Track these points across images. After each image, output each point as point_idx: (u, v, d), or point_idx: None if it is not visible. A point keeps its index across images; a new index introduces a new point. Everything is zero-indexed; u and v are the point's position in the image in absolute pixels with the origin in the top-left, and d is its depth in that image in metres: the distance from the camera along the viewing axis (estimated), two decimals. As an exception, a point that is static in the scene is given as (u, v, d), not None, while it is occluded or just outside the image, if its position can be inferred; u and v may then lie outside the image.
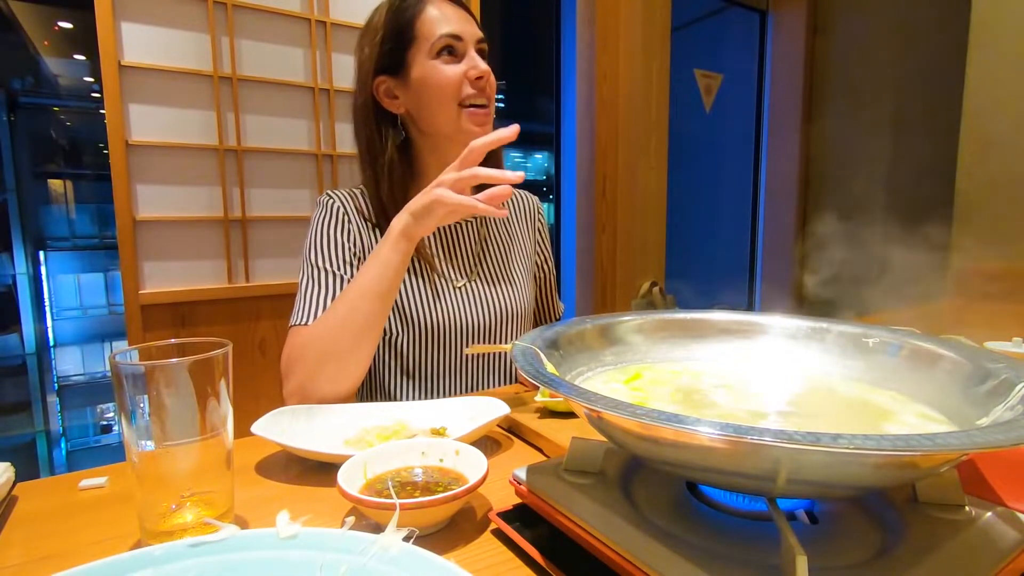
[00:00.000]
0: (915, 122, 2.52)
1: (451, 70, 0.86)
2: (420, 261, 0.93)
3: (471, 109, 0.88)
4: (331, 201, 0.92)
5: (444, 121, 0.88)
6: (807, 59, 2.85)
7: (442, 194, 0.73)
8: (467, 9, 0.91)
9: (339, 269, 0.87)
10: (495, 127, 0.94)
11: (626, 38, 2.18)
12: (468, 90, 0.87)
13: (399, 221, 0.77)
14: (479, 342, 0.96)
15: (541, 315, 1.13)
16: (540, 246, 1.10)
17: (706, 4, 2.92)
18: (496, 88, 0.92)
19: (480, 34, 0.90)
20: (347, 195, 0.93)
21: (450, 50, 0.87)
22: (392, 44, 0.88)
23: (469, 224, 0.99)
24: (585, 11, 2.26)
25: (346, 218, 0.91)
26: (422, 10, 0.87)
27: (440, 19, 0.87)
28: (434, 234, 0.95)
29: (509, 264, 1.01)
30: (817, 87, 2.87)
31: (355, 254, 0.89)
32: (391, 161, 0.90)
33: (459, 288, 0.95)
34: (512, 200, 1.07)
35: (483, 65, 0.87)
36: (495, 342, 0.98)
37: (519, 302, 1.00)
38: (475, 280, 0.97)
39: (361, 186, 0.96)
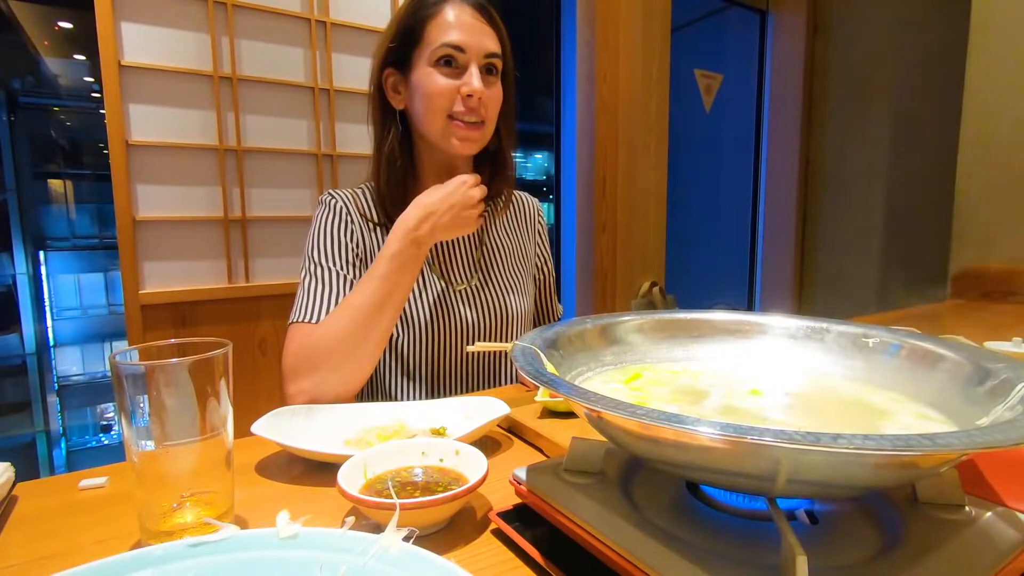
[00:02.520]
0: (915, 122, 2.52)
1: (443, 82, 0.85)
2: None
3: (457, 122, 0.86)
4: (333, 200, 0.92)
5: (431, 130, 0.87)
6: (807, 59, 2.85)
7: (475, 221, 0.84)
8: (492, 21, 0.88)
9: (343, 269, 0.87)
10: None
11: (626, 38, 2.18)
12: (458, 106, 0.85)
13: (428, 237, 0.80)
14: (483, 340, 0.96)
15: (540, 317, 1.13)
16: (540, 248, 1.10)
17: (706, 4, 2.92)
18: (499, 104, 0.90)
19: (492, 48, 0.86)
20: (349, 195, 0.93)
21: (449, 60, 0.84)
22: (401, 40, 0.87)
23: None
24: (585, 11, 2.26)
25: (348, 217, 0.91)
26: (438, 12, 0.85)
27: (449, 26, 0.84)
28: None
29: (509, 267, 1.01)
30: (817, 87, 2.87)
31: (357, 255, 0.89)
32: (391, 152, 0.90)
33: (459, 291, 0.95)
34: (513, 203, 1.07)
35: (477, 84, 0.84)
36: (498, 339, 0.98)
37: (518, 304, 1.00)
38: (475, 283, 0.97)
39: (363, 185, 0.96)
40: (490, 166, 0.98)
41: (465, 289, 0.95)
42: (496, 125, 0.92)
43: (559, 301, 1.16)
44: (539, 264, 1.10)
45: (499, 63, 0.88)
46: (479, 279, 0.97)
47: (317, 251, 0.88)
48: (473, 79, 0.84)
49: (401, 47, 0.87)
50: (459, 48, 0.84)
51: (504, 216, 1.05)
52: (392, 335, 0.91)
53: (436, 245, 0.95)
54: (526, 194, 1.11)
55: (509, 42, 0.91)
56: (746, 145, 3.08)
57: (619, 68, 2.18)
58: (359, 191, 0.95)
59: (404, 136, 0.92)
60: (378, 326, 0.78)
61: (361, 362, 0.78)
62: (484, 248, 1.00)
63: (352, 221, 0.91)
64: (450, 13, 0.85)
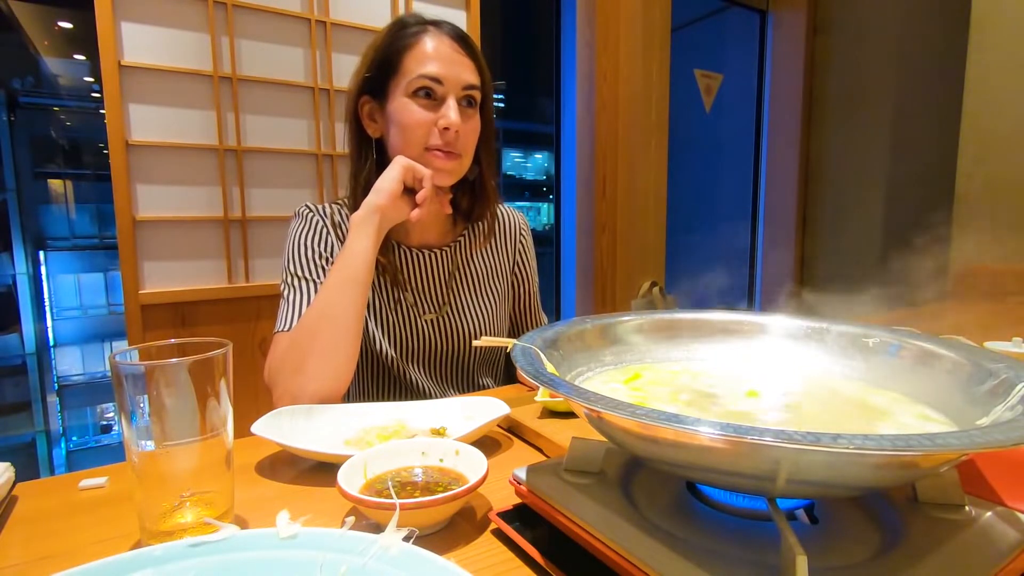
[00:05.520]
0: (915, 122, 2.52)
1: (421, 115, 0.84)
2: (392, 289, 0.93)
3: (434, 152, 0.85)
4: (309, 213, 0.93)
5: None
6: (807, 59, 2.85)
7: (404, 160, 0.82)
8: (470, 51, 0.87)
9: (318, 277, 0.87)
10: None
11: (626, 38, 2.18)
12: (435, 139, 0.84)
13: (364, 205, 0.81)
14: (451, 369, 0.98)
15: (518, 329, 1.11)
16: (519, 266, 1.08)
17: (706, 4, 2.92)
18: (476, 136, 0.89)
19: (470, 80, 0.86)
20: (325, 210, 0.94)
21: (427, 92, 0.84)
22: (378, 70, 0.86)
23: (443, 252, 0.98)
24: (585, 11, 2.26)
25: (324, 230, 0.91)
26: (416, 43, 0.84)
27: (427, 58, 0.83)
28: (407, 262, 0.95)
29: (482, 289, 1.01)
30: (817, 87, 2.87)
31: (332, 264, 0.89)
32: (367, 182, 0.88)
33: (428, 321, 0.95)
34: (496, 220, 1.05)
35: (454, 117, 0.83)
36: (466, 368, 0.99)
37: (491, 326, 0.99)
38: (445, 311, 0.96)
39: (340, 200, 0.97)
40: (470, 194, 0.98)
41: (435, 319, 0.95)
42: (476, 154, 0.91)
43: (542, 311, 1.14)
44: (517, 282, 1.08)
45: (477, 95, 0.88)
46: (450, 306, 0.97)
47: (294, 263, 0.88)
48: (451, 112, 0.83)
49: (377, 76, 0.87)
50: (437, 80, 0.83)
51: (485, 241, 1.04)
52: (377, 350, 0.91)
53: (407, 271, 0.95)
54: (512, 209, 1.10)
55: (488, 70, 0.90)
56: (746, 145, 3.08)
57: (619, 68, 2.18)
58: (336, 206, 0.95)
59: (380, 164, 0.89)
60: (331, 312, 0.77)
61: (325, 354, 0.76)
62: (456, 273, 0.99)
63: (328, 233, 0.91)
64: (428, 44, 0.84)
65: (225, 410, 0.45)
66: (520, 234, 1.08)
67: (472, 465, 0.50)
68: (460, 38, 0.87)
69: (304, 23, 1.46)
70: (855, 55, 2.72)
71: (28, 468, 2.39)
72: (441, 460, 0.53)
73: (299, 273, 0.87)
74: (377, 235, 0.81)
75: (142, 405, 0.42)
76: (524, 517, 0.46)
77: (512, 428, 0.70)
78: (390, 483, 0.49)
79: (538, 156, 3.42)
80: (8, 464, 0.55)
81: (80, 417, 2.68)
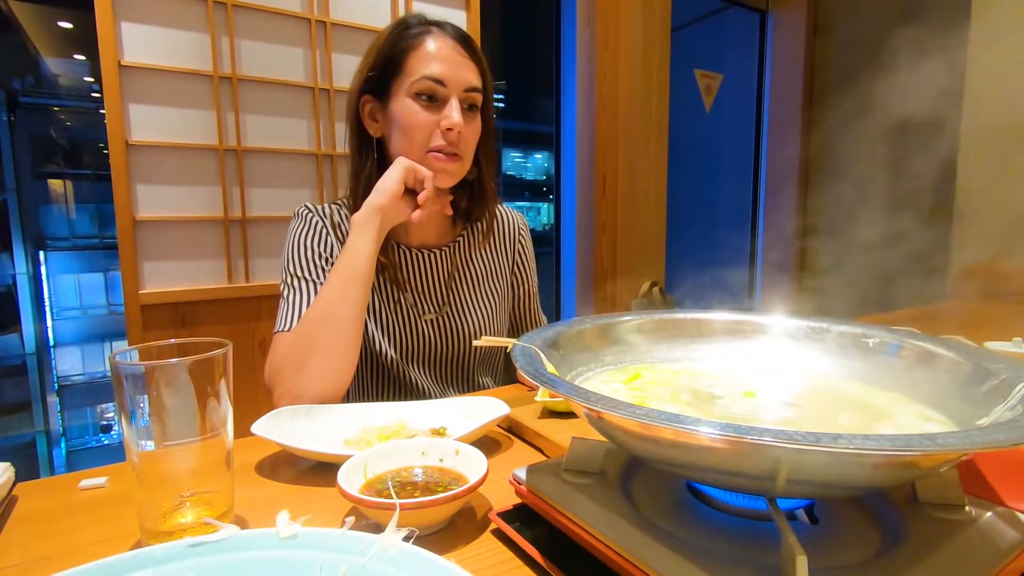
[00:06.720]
0: (915, 122, 2.52)
1: (423, 116, 0.84)
2: (392, 289, 0.93)
3: (435, 154, 0.85)
4: (309, 213, 0.93)
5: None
6: (807, 59, 2.85)
7: (405, 161, 0.83)
8: (472, 53, 0.88)
9: (318, 278, 0.87)
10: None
11: (626, 38, 2.18)
12: (437, 140, 0.85)
13: (365, 205, 0.82)
14: (451, 369, 0.97)
15: (518, 330, 1.10)
16: (519, 266, 1.08)
17: (706, 4, 2.92)
18: (477, 138, 0.90)
19: (472, 82, 0.86)
20: (324, 210, 0.94)
21: (430, 94, 0.84)
22: (381, 69, 0.87)
23: (443, 252, 0.98)
24: (585, 11, 2.26)
25: (324, 230, 0.91)
26: (419, 44, 0.85)
27: (430, 58, 0.84)
28: (406, 262, 0.95)
29: (482, 289, 1.01)
30: (817, 87, 2.87)
31: (332, 264, 0.89)
32: (369, 183, 0.88)
33: (428, 321, 0.95)
34: (496, 222, 1.05)
35: (457, 118, 0.84)
36: (466, 368, 0.99)
37: (491, 326, 1.00)
38: (445, 311, 0.96)
39: (339, 200, 0.97)
40: (469, 195, 0.98)
41: (435, 319, 0.95)
42: (476, 155, 0.92)
43: (542, 312, 1.14)
44: (517, 279, 1.08)
45: (479, 97, 0.88)
46: (449, 307, 0.97)
47: (293, 263, 0.88)
48: (453, 113, 0.84)
49: (380, 76, 0.87)
50: (440, 81, 0.84)
51: (484, 241, 1.04)
52: (377, 351, 0.91)
53: (406, 271, 0.95)
54: (511, 210, 1.10)
55: (489, 72, 0.90)
56: (746, 145, 3.08)
57: (619, 68, 2.18)
58: (335, 206, 0.95)
59: (380, 164, 0.89)
60: (332, 313, 0.77)
61: (326, 355, 0.76)
62: (456, 273, 0.99)
63: (328, 233, 0.91)
64: (431, 44, 0.84)
65: (225, 410, 0.45)
66: (519, 235, 1.08)
67: (472, 465, 0.50)
68: (463, 39, 0.87)
69: (304, 23, 1.46)
70: (855, 55, 2.72)
71: (28, 468, 2.39)
72: (441, 460, 0.53)
73: (299, 273, 0.87)
74: (379, 235, 0.81)
75: (142, 405, 0.42)
76: (524, 517, 0.46)
77: (512, 428, 0.70)
78: (390, 483, 0.49)
79: (538, 156, 3.42)
80: (8, 464, 0.55)
81: (80, 417, 2.68)
